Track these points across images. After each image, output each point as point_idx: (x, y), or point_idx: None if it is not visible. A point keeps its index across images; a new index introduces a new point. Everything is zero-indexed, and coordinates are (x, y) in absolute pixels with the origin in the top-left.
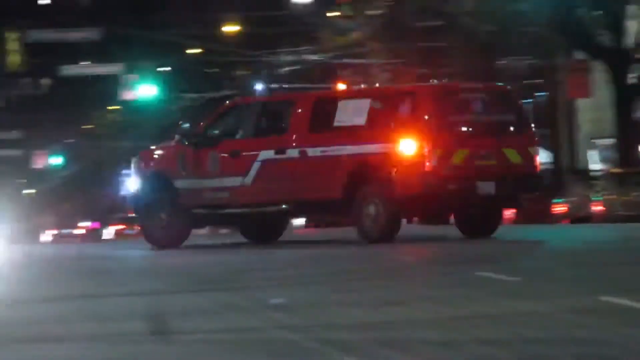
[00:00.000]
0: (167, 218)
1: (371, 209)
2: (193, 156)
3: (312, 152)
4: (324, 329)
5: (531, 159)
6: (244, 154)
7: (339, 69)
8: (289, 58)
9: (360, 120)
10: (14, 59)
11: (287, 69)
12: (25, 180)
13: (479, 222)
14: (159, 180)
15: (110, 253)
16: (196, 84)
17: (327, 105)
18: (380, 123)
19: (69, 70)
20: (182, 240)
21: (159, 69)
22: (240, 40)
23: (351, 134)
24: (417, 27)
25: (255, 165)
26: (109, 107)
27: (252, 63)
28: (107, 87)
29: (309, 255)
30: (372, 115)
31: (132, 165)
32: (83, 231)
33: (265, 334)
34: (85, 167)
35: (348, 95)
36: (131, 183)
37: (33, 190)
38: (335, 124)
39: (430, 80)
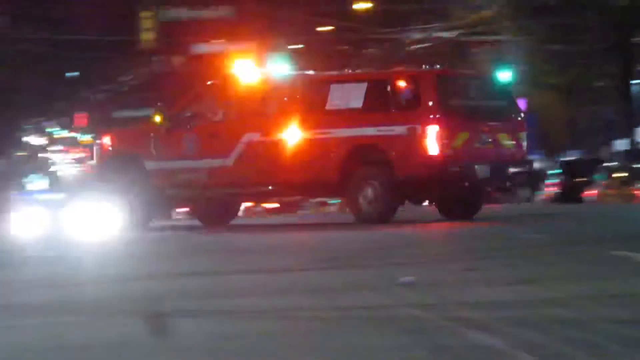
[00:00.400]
0: (136, 199)
1: (369, 191)
2: (169, 137)
3: (304, 134)
4: (454, 307)
5: (521, 144)
6: (225, 135)
7: (470, 47)
8: (420, 35)
9: (357, 103)
10: (148, 37)
11: (417, 46)
12: None
13: (463, 204)
14: (128, 162)
15: (233, 231)
16: (326, 62)
17: (319, 88)
18: (378, 106)
19: (201, 48)
20: (149, 222)
21: (290, 47)
22: (371, 17)
23: (347, 116)
24: (550, 3)
25: (239, 147)
26: None
27: (382, 41)
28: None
29: (429, 233)
30: (369, 98)
31: (95, 147)
32: None
33: (395, 311)
34: None
35: (341, 78)
36: (93, 165)
37: None
38: (328, 107)
39: (423, 66)
